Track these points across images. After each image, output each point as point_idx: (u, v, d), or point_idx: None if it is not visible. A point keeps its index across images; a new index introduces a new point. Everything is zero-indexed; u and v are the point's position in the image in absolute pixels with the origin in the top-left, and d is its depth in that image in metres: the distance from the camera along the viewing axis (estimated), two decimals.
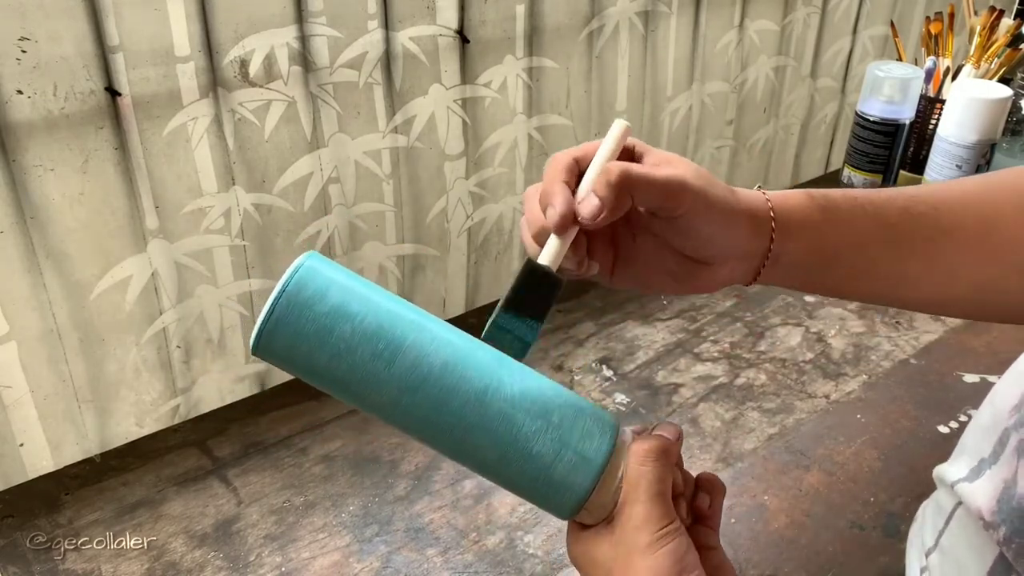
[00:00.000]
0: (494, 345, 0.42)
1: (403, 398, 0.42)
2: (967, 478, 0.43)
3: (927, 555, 0.47)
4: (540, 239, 0.43)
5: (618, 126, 0.44)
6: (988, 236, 0.47)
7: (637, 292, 0.47)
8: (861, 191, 0.48)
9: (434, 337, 0.43)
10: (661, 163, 0.44)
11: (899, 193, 0.48)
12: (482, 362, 0.43)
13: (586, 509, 0.42)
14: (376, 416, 0.44)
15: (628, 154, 0.45)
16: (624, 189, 0.41)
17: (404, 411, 0.43)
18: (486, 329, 0.42)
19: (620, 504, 0.42)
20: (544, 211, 0.42)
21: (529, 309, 0.42)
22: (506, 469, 0.43)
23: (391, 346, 0.41)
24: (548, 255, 0.42)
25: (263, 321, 0.41)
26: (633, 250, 0.47)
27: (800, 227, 0.46)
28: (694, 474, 0.46)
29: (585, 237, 0.44)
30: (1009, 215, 0.47)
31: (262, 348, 0.42)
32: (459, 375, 0.42)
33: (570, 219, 0.41)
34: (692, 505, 0.45)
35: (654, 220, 0.44)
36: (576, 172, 0.44)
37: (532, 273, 0.41)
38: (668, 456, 0.42)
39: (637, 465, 0.41)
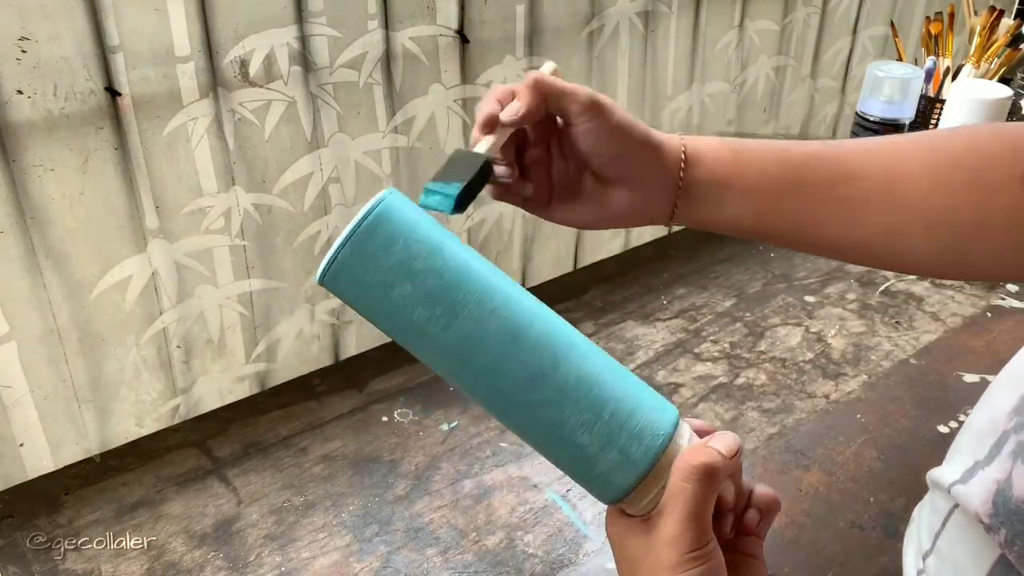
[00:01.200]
0: (426, 208, 0.45)
1: (453, 366, 0.42)
2: (961, 480, 0.43)
3: (924, 558, 0.47)
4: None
5: (548, 65, 0.51)
6: (893, 186, 0.49)
7: (592, 226, 0.54)
8: (778, 141, 0.51)
9: (495, 308, 0.42)
10: (576, 85, 0.49)
11: (809, 143, 0.52)
12: (543, 340, 0.42)
13: (626, 503, 0.42)
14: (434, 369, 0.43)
15: None
16: (538, 90, 0.47)
17: (454, 376, 0.42)
18: (420, 198, 0.46)
19: (659, 509, 0.40)
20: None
21: (454, 175, 0.46)
22: (549, 451, 0.42)
23: (448, 313, 0.41)
24: (479, 149, 0.48)
25: (329, 260, 0.40)
26: (563, 177, 0.51)
27: (709, 160, 0.49)
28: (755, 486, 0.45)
29: (514, 149, 0.50)
30: (916, 171, 0.49)
31: (327, 285, 0.41)
32: (514, 353, 0.41)
33: (493, 119, 0.47)
34: (740, 520, 0.44)
35: (571, 137, 0.49)
36: (511, 97, 0.49)
37: (459, 153, 0.47)
38: (713, 477, 0.39)
39: (680, 480, 0.39)
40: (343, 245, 0.40)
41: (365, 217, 0.40)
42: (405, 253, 0.41)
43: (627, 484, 0.41)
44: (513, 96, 0.49)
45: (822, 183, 0.49)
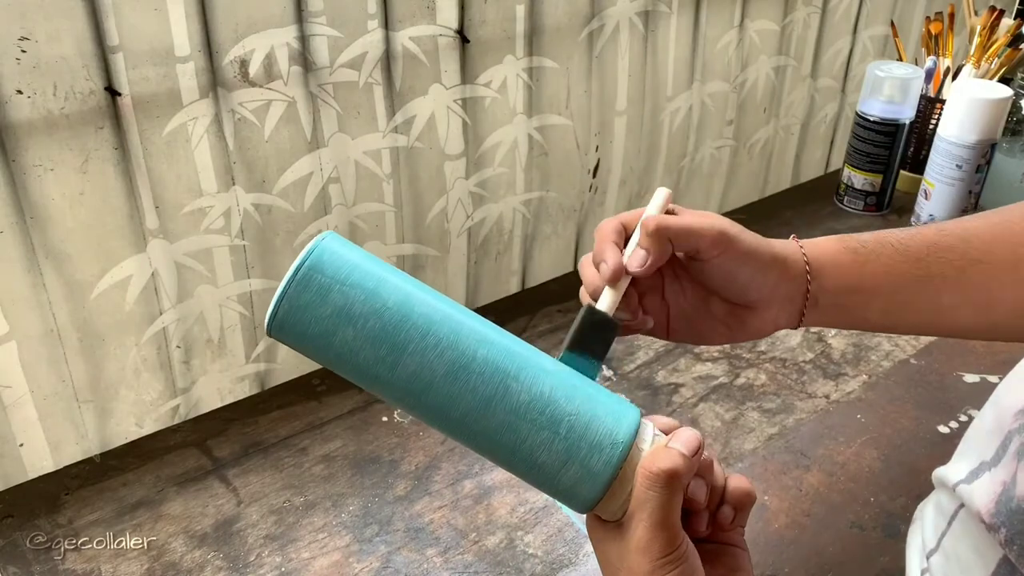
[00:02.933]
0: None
1: (407, 401, 0.42)
2: (966, 480, 0.43)
3: (928, 556, 0.47)
4: (596, 297, 0.48)
5: (660, 194, 0.50)
6: (1019, 263, 0.49)
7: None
8: (889, 231, 0.51)
9: (439, 341, 0.42)
10: (693, 214, 0.48)
11: (926, 228, 0.51)
12: (491, 367, 0.42)
13: (598, 510, 0.42)
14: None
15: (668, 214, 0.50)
16: (662, 236, 0.46)
17: (412, 409, 0.43)
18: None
19: (629, 514, 0.40)
20: (598, 268, 0.48)
21: (590, 348, 0.46)
22: (516, 471, 0.43)
23: (393, 352, 0.41)
24: (604, 303, 0.47)
25: (270, 317, 0.41)
26: (684, 303, 0.51)
27: (832, 268, 0.49)
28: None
29: (636, 292, 0.49)
30: None
31: (274, 336, 0.42)
32: (462, 384, 0.41)
33: (620, 272, 0.47)
34: (714, 517, 0.44)
35: (697, 269, 0.49)
36: (623, 234, 0.50)
37: (591, 315, 0.47)
38: (676, 480, 0.39)
39: (644, 489, 0.39)
40: (280, 299, 0.41)
41: (298, 269, 0.41)
42: (342, 299, 0.41)
43: (593, 496, 0.41)
44: (626, 232, 0.49)
45: (950, 273, 0.49)
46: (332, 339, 0.41)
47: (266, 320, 0.42)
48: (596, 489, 0.41)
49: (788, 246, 0.50)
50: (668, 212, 0.50)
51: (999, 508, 0.38)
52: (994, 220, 0.51)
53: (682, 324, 0.52)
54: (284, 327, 0.41)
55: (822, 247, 0.50)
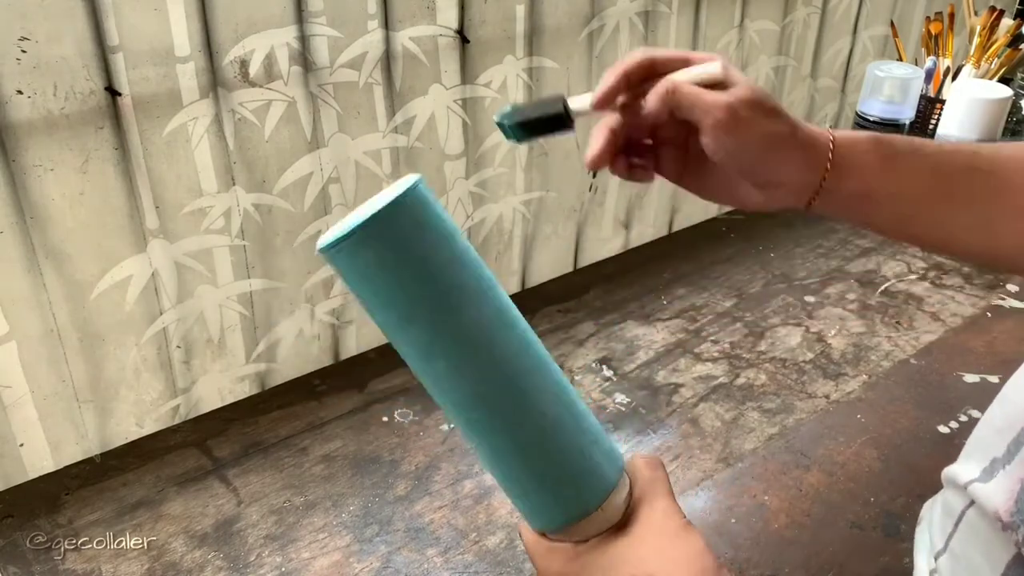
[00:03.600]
0: (500, 129, 0.47)
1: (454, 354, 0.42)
2: (980, 478, 0.42)
3: (936, 557, 0.47)
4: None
5: (711, 67, 0.46)
6: None
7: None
8: (928, 142, 0.49)
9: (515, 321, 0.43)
10: (727, 87, 0.45)
11: (963, 148, 0.50)
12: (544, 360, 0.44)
13: (601, 509, 0.43)
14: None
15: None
16: (664, 100, 0.44)
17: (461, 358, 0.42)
18: (502, 119, 0.47)
19: (636, 503, 0.43)
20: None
21: (536, 131, 0.47)
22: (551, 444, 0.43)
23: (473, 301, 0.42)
24: (577, 101, 0.46)
25: (341, 237, 0.39)
26: (700, 158, 0.48)
27: (858, 169, 0.47)
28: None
29: (646, 139, 0.48)
30: None
31: (328, 258, 0.41)
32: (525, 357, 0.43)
33: (604, 101, 0.45)
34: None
35: (698, 137, 0.46)
36: (642, 75, 0.46)
37: (560, 117, 0.46)
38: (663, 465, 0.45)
39: (650, 472, 0.44)
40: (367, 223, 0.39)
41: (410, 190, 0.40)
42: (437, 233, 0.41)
43: (615, 474, 0.43)
44: (643, 75, 0.46)
45: (970, 197, 0.48)
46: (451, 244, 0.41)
47: (332, 239, 0.39)
48: (616, 470, 0.43)
49: (817, 134, 0.48)
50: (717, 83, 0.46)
51: (1019, 507, 0.38)
52: None
53: (693, 176, 0.50)
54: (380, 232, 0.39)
55: (854, 143, 0.48)
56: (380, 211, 0.39)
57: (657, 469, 0.44)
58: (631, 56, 0.46)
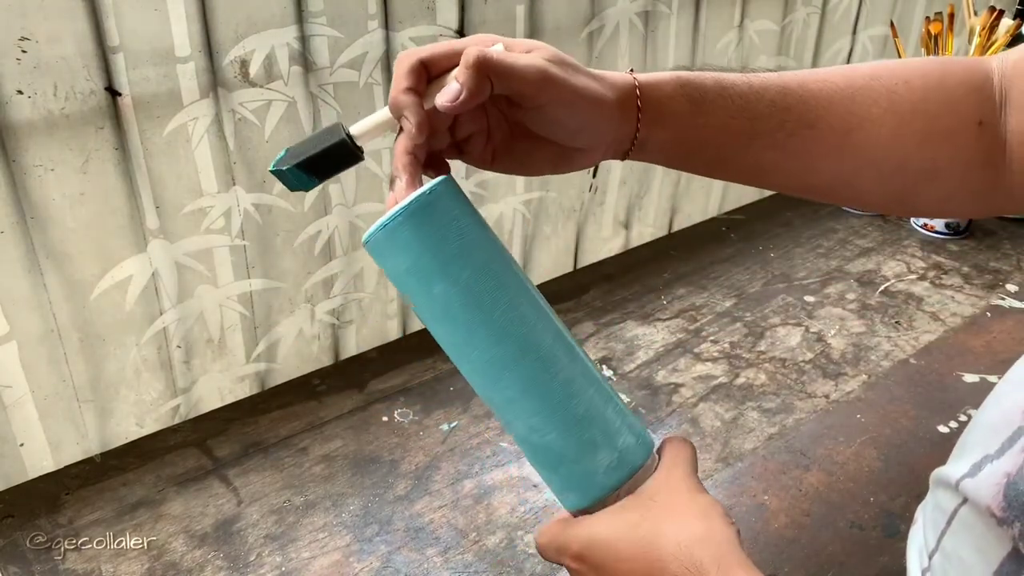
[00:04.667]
0: (278, 178, 0.44)
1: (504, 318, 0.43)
2: (969, 473, 0.43)
3: (930, 556, 0.47)
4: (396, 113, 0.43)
5: (499, 46, 0.44)
6: (850, 133, 0.48)
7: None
8: (734, 77, 0.48)
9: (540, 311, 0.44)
10: (523, 49, 0.44)
11: (771, 82, 0.49)
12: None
13: (633, 480, 0.44)
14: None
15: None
16: (482, 72, 0.41)
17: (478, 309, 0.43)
18: (274, 166, 0.44)
19: (657, 474, 0.44)
20: (399, 120, 0.43)
21: (319, 170, 0.43)
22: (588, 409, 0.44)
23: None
24: (364, 126, 0.43)
25: (380, 226, 0.41)
26: (507, 136, 0.47)
27: (668, 116, 0.47)
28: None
29: (448, 121, 0.44)
30: (875, 118, 0.48)
31: (370, 246, 0.42)
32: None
33: (426, 126, 0.42)
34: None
35: (520, 111, 0.44)
36: (424, 78, 0.43)
37: (341, 145, 0.43)
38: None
39: (677, 443, 0.45)
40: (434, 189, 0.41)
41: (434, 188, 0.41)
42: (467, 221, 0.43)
43: (650, 441, 0.45)
44: (427, 75, 0.43)
45: (780, 136, 0.48)
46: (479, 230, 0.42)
47: (373, 229, 0.41)
48: (650, 444, 0.45)
49: (623, 85, 0.46)
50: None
51: (1009, 502, 0.38)
52: (836, 82, 0.50)
53: (504, 157, 0.48)
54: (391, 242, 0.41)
55: (661, 90, 0.47)
56: (418, 196, 0.41)
57: (681, 448, 0.45)
58: (402, 63, 0.43)
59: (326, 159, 0.43)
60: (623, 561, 0.41)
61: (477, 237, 0.43)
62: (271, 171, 0.44)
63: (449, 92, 0.41)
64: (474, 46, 0.42)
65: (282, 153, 0.44)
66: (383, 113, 0.43)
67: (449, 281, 0.42)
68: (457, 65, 0.42)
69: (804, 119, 0.48)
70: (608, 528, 0.42)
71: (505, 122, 0.47)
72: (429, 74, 0.43)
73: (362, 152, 0.43)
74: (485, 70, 0.41)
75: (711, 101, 0.47)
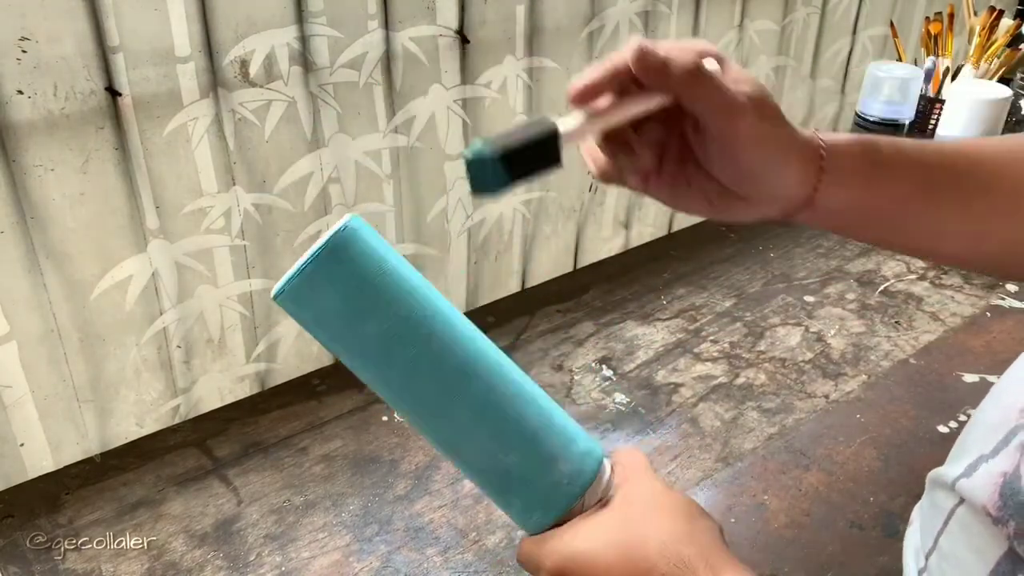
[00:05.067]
0: (468, 172, 0.39)
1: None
2: (965, 473, 0.43)
3: (926, 556, 0.47)
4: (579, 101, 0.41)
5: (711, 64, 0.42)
6: (1021, 197, 0.47)
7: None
8: (911, 143, 0.48)
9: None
10: (734, 78, 0.42)
11: (944, 146, 0.49)
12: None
13: (593, 487, 0.44)
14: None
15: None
16: (694, 81, 0.39)
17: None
18: (470, 152, 0.39)
19: (622, 483, 0.44)
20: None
21: (519, 169, 0.39)
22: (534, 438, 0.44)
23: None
24: (569, 125, 0.40)
25: (289, 281, 0.40)
26: (676, 163, 0.45)
27: (849, 178, 0.45)
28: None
29: (642, 144, 0.43)
30: None
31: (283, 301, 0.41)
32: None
33: (591, 91, 0.40)
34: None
35: (701, 138, 0.43)
36: (618, 79, 0.41)
37: (548, 139, 0.39)
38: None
39: (631, 451, 0.47)
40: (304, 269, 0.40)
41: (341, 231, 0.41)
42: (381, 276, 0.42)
43: (600, 453, 0.45)
44: (627, 71, 0.40)
45: (956, 199, 0.47)
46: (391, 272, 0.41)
47: (281, 285, 0.40)
48: (599, 456, 0.45)
49: (810, 141, 0.44)
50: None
51: (1004, 501, 0.38)
52: (1008, 147, 0.49)
53: (665, 182, 0.46)
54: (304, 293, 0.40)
55: (844, 150, 0.45)
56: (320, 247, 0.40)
57: (636, 455, 0.46)
58: (626, 51, 0.40)
59: (531, 152, 0.38)
60: (610, 568, 0.40)
61: (398, 267, 0.42)
62: (465, 158, 0.39)
63: (654, 56, 0.39)
64: (690, 64, 0.39)
65: (477, 143, 0.39)
66: (578, 115, 0.40)
67: (381, 316, 0.40)
68: (661, 85, 0.40)
69: (977, 182, 0.48)
70: (588, 539, 0.42)
71: (681, 145, 0.45)
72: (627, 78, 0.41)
73: (560, 157, 0.39)
74: (695, 79, 0.39)
75: (891, 165, 0.46)
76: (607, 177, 0.45)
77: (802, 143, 0.44)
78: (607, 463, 0.46)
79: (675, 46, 0.41)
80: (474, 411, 0.42)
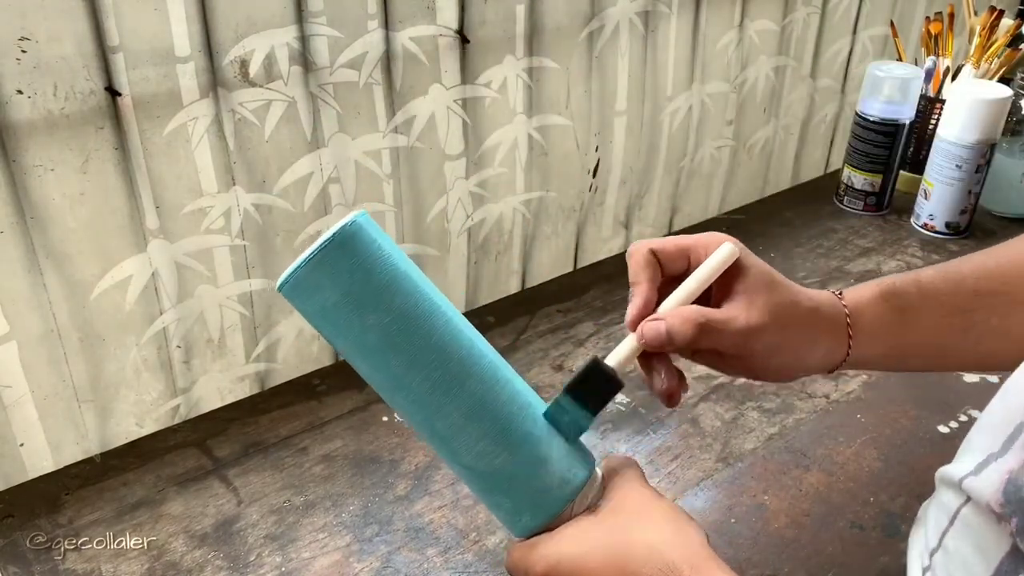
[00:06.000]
0: (553, 422, 0.45)
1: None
2: (973, 471, 0.43)
3: (931, 555, 0.47)
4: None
5: (723, 251, 0.46)
6: None
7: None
8: (929, 276, 0.49)
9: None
10: (747, 299, 0.45)
11: (966, 273, 0.50)
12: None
13: (583, 493, 0.44)
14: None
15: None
16: (695, 343, 0.44)
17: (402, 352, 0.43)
18: (550, 406, 0.45)
19: (612, 491, 0.45)
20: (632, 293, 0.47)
21: (585, 399, 0.45)
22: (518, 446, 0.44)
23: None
24: (614, 356, 0.46)
25: (295, 270, 0.41)
26: (715, 353, 0.49)
27: (878, 332, 0.48)
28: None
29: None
30: None
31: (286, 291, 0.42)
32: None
33: (636, 321, 0.46)
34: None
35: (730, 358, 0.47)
36: (656, 265, 0.47)
37: (595, 371, 0.45)
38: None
39: (623, 458, 0.47)
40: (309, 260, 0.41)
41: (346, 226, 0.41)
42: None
43: (591, 461, 0.46)
44: (656, 261, 0.47)
45: (994, 321, 0.48)
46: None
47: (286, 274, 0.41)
48: (589, 465, 0.46)
49: (833, 315, 0.48)
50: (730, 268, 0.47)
51: (1008, 498, 0.38)
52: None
53: (721, 365, 0.50)
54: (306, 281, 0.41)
55: (866, 307, 0.48)
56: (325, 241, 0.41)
57: (629, 464, 0.46)
58: (637, 256, 0.46)
59: (585, 384, 0.45)
60: (597, 573, 0.41)
61: (403, 263, 0.43)
62: (545, 416, 0.45)
63: (656, 335, 0.44)
64: (694, 312, 0.44)
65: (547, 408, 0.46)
66: (630, 339, 0.46)
67: (383, 309, 0.41)
68: (686, 257, 0.47)
69: (1012, 299, 0.48)
70: (575, 544, 0.42)
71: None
72: (659, 260, 0.47)
73: (621, 380, 0.45)
74: (698, 336, 0.44)
75: (917, 308, 0.48)
76: (648, 387, 0.49)
77: (826, 319, 0.47)
78: (598, 470, 0.46)
79: (679, 309, 0.45)
80: (468, 409, 0.43)
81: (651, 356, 0.47)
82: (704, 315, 0.44)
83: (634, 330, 0.46)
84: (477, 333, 0.45)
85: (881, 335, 0.48)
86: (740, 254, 0.47)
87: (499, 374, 0.44)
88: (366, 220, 0.42)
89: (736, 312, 0.45)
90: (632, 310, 0.46)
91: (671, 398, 0.48)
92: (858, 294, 0.49)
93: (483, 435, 0.43)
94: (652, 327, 0.45)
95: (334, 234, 0.40)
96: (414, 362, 0.42)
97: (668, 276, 0.48)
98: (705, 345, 0.45)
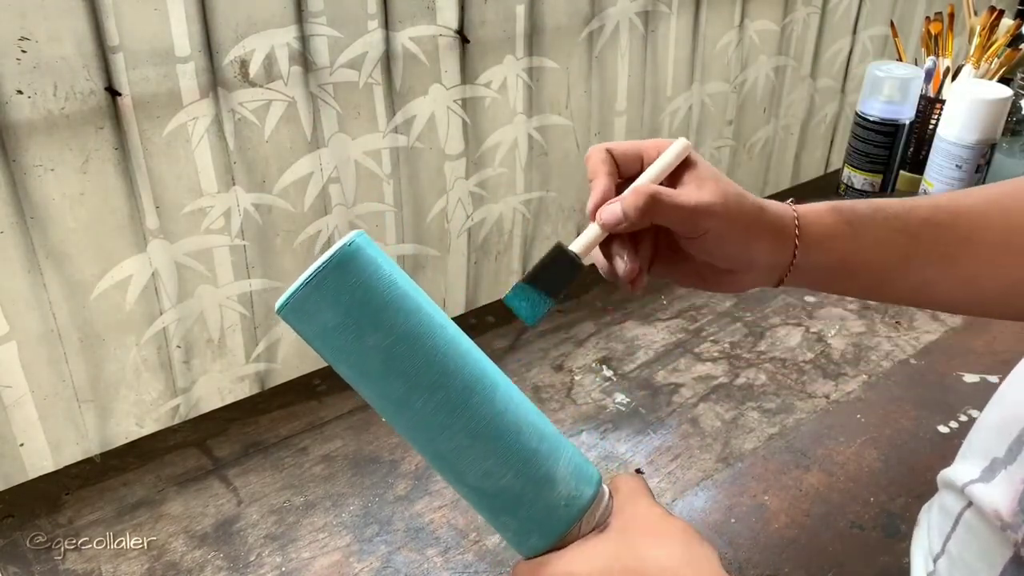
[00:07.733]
0: (512, 308, 0.47)
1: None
2: (981, 479, 0.42)
3: (935, 560, 0.47)
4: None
5: (677, 146, 0.49)
6: (1010, 241, 0.49)
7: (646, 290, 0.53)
8: (886, 201, 0.50)
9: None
10: (697, 183, 0.48)
11: (922, 202, 0.51)
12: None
13: (591, 512, 0.44)
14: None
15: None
16: (648, 214, 0.46)
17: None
18: (509, 292, 0.48)
19: (619, 509, 0.44)
20: (590, 183, 0.49)
21: (546, 284, 0.47)
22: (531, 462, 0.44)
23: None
24: (579, 243, 0.47)
25: (293, 294, 0.41)
26: (668, 250, 0.51)
27: (826, 239, 0.49)
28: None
29: (632, 240, 0.49)
30: None
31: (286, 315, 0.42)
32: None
33: (609, 196, 0.47)
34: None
35: (680, 244, 0.49)
36: (612, 163, 0.49)
37: (558, 254, 0.47)
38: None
39: (628, 479, 0.46)
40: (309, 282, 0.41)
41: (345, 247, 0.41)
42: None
43: (597, 477, 0.46)
44: (612, 160, 0.48)
45: (939, 251, 0.49)
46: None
47: (284, 299, 0.41)
48: (595, 480, 0.45)
49: (782, 215, 0.49)
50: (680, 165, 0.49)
51: (1022, 507, 0.38)
52: (988, 196, 0.51)
53: (662, 268, 0.52)
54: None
55: (818, 217, 0.49)
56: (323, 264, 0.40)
57: (636, 481, 0.46)
58: (595, 156, 0.48)
59: (547, 271, 0.47)
60: None
61: (403, 281, 0.42)
62: (505, 302, 0.48)
63: (612, 215, 0.46)
64: (647, 188, 0.46)
65: (513, 285, 0.48)
66: (591, 228, 0.48)
67: (384, 330, 0.41)
68: (639, 159, 0.49)
69: (959, 234, 0.49)
70: (585, 563, 0.42)
71: (668, 240, 0.51)
72: (620, 169, 0.49)
73: (581, 262, 0.48)
74: (651, 212, 0.46)
75: (866, 221, 0.49)
76: (610, 276, 0.50)
77: (772, 219, 0.48)
78: (605, 488, 0.46)
79: (632, 187, 0.47)
80: (472, 428, 0.42)
81: (612, 242, 0.49)
82: (656, 188, 0.46)
83: (595, 219, 0.48)
84: (477, 348, 0.45)
85: (827, 244, 0.49)
86: (691, 152, 0.49)
87: (502, 393, 0.43)
88: (364, 240, 0.41)
89: (687, 191, 0.47)
90: (592, 200, 0.48)
91: (634, 282, 0.49)
92: (810, 206, 0.51)
93: (488, 454, 0.42)
94: (609, 209, 0.46)
95: (332, 256, 0.40)
96: (417, 383, 0.41)
97: (624, 176, 0.50)
98: (659, 220, 0.46)
